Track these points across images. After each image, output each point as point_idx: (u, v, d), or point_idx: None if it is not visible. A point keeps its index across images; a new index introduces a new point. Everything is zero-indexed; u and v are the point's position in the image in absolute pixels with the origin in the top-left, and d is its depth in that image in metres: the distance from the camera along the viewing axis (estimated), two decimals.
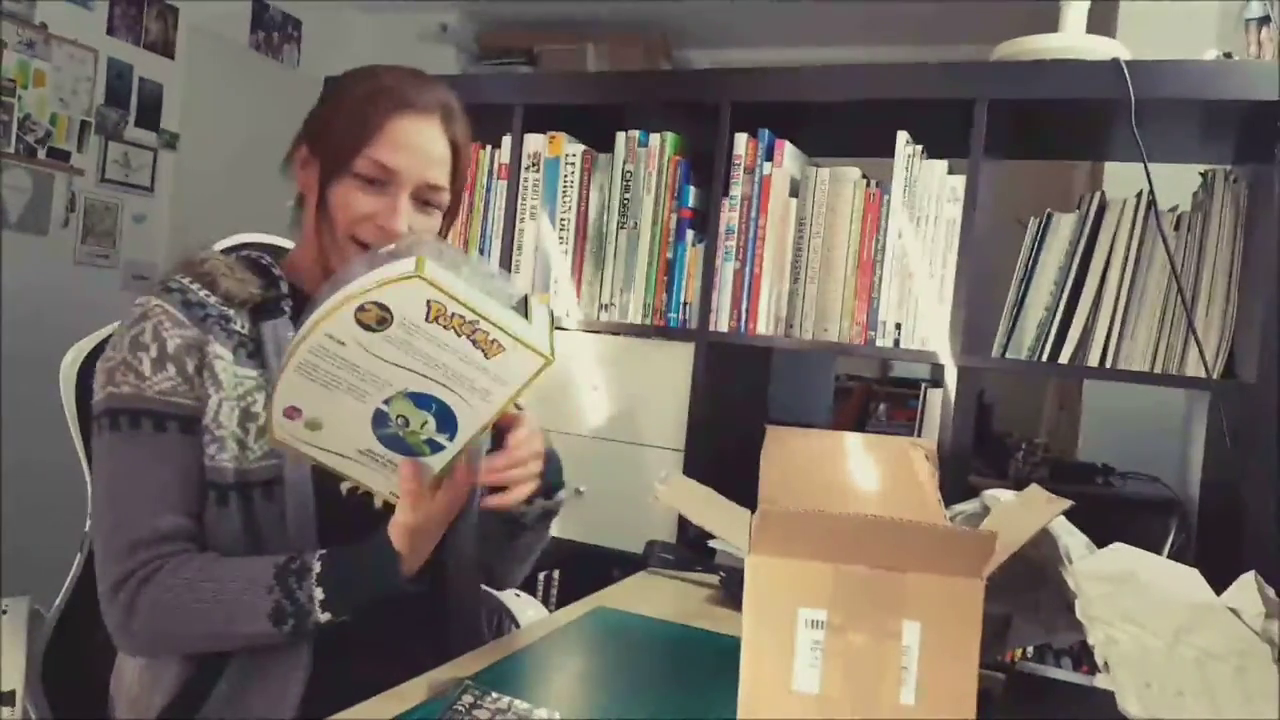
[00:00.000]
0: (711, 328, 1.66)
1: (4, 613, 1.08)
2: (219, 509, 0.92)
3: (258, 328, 0.97)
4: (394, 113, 0.97)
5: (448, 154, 1.01)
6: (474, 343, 0.75)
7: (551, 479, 1.07)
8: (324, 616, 0.88)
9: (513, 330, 0.76)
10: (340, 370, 0.78)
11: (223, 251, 1.05)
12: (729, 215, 1.66)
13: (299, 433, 0.83)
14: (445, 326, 0.74)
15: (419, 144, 0.98)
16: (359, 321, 0.73)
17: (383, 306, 0.73)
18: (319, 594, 0.87)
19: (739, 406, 1.85)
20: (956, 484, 1.49)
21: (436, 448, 0.85)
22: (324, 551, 0.90)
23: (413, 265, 0.71)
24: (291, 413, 0.81)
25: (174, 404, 0.92)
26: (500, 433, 0.93)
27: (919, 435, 1.59)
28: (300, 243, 1.08)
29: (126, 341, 0.93)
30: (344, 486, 0.94)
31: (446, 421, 0.82)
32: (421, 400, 0.80)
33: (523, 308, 0.81)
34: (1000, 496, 0.95)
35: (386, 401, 0.80)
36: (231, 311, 0.97)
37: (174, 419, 0.92)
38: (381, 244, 0.98)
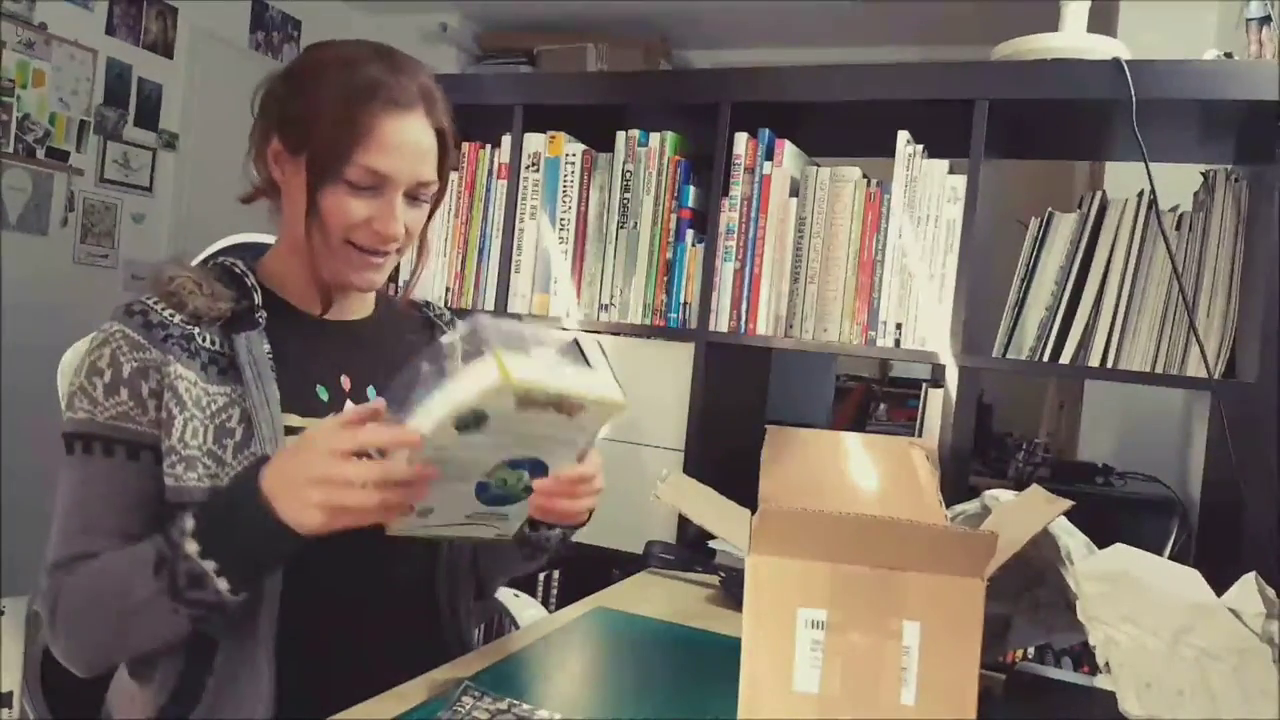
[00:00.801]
0: (711, 328, 1.66)
1: (2, 613, 1.08)
2: None
3: (230, 340, 0.95)
4: (381, 113, 0.94)
5: (434, 145, 0.99)
6: (559, 410, 0.81)
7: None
8: (193, 547, 0.82)
9: (593, 394, 0.83)
10: (446, 467, 0.82)
11: (208, 258, 1.03)
12: (729, 215, 1.65)
13: (412, 524, 0.86)
14: (536, 409, 0.79)
15: (408, 144, 0.96)
16: (456, 427, 0.78)
17: (477, 411, 0.77)
18: (189, 525, 0.83)
19: (739, 406, 1.85)
20: (957, 484, 1.49)
21: (529, 490, 0.90)
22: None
23: (496, 369, 0.75)
24: (407, 509, 0.86)
25: (123, 429, 0.91)
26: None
27: (919, 435, 1.59)
28: (279, 242, 1.06)
29: (86, 366, 0.92)
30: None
31: (539, 470, 0.88)
32: (517, 463, 0.86)
33: (581, 355, 0.87)
34: (1000, 496, 0.95)
35: (487, 474, 0.86)
36: (196, 330, 0.95)
37: (121, 444, 0.90)
38: (377, 247, 0.98)
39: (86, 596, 0.88)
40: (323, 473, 0.79)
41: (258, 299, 0.99)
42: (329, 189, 0.96)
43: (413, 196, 1.00)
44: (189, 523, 0.84)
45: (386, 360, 1.06)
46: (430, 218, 1.05)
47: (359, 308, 1.10)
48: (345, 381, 1.04)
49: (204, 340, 0.95)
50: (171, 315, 0.94)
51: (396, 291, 1.16)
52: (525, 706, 0.82)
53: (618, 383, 0.87)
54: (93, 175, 3.18)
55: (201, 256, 1.23)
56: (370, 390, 1.05)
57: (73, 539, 0.90)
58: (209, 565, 0.83)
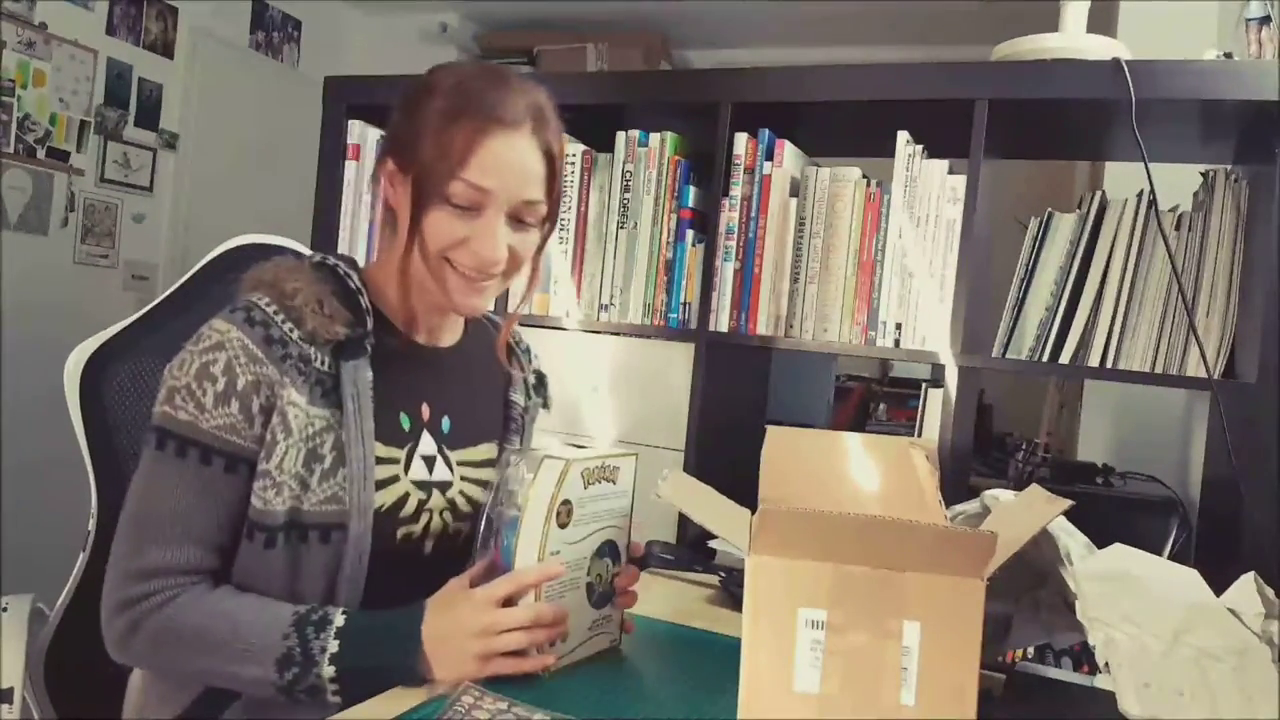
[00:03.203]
0: (711, 327, 1.66)
1: (4, 610, 1.08)
2: (264, 551, 0.90)
3: (337, 363, 0.94)
4: (482, 132, 0.92)
5: (542, 166, 0.96)
6: (607, 480, 0.96)
7: None
8: (329, 670, 0.85)
9: (614, 453, 0.97)
10: (566, 575, 0.92)
11: (316, 260, 1.00)
12: (729, 215, 1.66)
13: (560, 651, 0.92)
14: (595, 482, 0.94)
15: (512, 163, 0.94)
16: (559, 525, 0.90)
17: (566, 502, 0.91)
18: (333, 646, 0.85)
19: (739, 406, 1.85)
20: (956, 484, 1.50)
21: (614, 578, 1.00)
22: (349, 610, 0.90)
23: (560, 461, 0.90)
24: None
25: (227, 441, 0.90)
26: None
27: (919, 435, 1.59)
28: (383, 258, 1.04)
29: (195, 366, 0.90)
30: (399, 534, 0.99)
31: (614, 554, 0.99)
32: (600, 551, 0.97)
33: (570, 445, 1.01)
34: (1000, 496, 0.95)
35: (589, 573, 0.96)
36: (313, 350, 0.93)
37: (222, 455, 0.90)
38: (477, 269, 0.96)
39: (195, 639, 0.87)
40: (484, 623, 0.86)
41: (369, 324, 0.98)
42: (432, 207, 0.94)
43: (518, 219, 0.97)
44: (332, 643, 0.86)
45: (464, 392, 1.08)
46: (543, 244, 1.02)
47: (450, 334, 1.08)
48: (425, 410, 1.04)
49: (317, 360, 0.93)
50: (291, 330, 0.92)
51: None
52: (525, 706, 0.82)
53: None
54: (93, 175, 3.18)
55: (208, 258, 1.24)
56: (445, 421, 1.05)
57: (165, 546, 0.89)
58: (331, 686, 0.85)
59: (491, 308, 1.13)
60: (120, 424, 1.12)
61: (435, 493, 1.02)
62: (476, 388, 1.10)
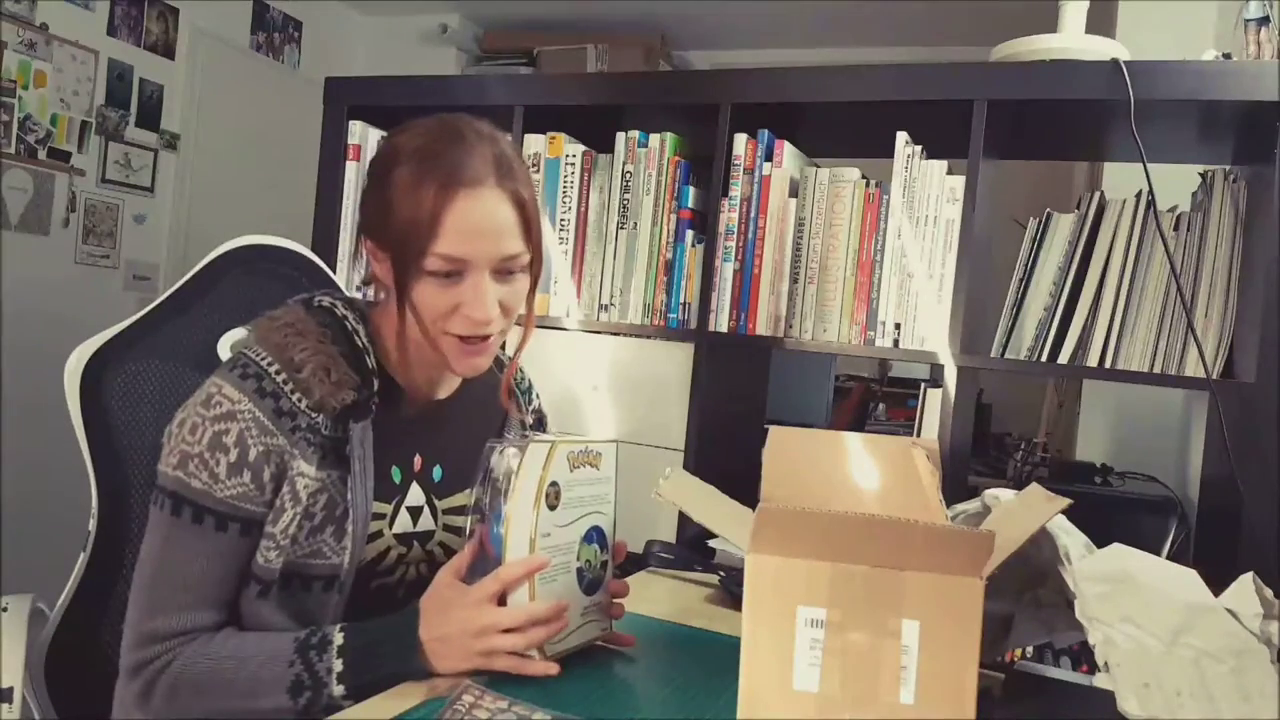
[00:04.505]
0: (711, 328, 1.66)
1: (4, 610, 1.08)
2: (258, 600, 0.92)
3: (343, 424, 0.95)
4: (448, 198, 0.90)
5: (514, 216, 0.94)
6: (590, 465, 0.98)
7: None
8: (339, 689, 0.87)
9: (598, 439, 1.00)
10: (555, 557, 0.93)
11: (322, 304, 1.00)
12: (728, 215, 1.66)
13: (556, 638, 0.92)
14: (579, 466, 0.96)
15: (480, 222, 0.92)
16: (549, 506, 0.92)
17: (554, 484, 0.92)
18: (338, 665, 0.87)
19: (738, 406, 1.85)
20: (956, 484, 1.50)
21: (604, 565, 1.01)
22: (345, 625, 0.91)
23: (545, 445, 0.92)
24: None
25: (241, 509, 0.91)
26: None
27: (918, 435, 1.59)
28: (382, 306, 1.03)
29: (208, 436, 0.90)
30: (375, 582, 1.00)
31: (602, 539, 1.00)
32: (587, 537, 0.98)
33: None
34: (1000, 496, 0.95)
35: (578, 558, 0.96)
36: (320, 418, 0.93)
37: (237, 521, 0.91)
38: (473, 332, 0.95)
39: (206, 684, 0.89)
40: (482, 624, 0.87)
41: (376, 386, 0.98)
42: (415, 283, 0.93)
43: (502, 272, 0.96)
44: (336, 663, 0.87)
45: (459, 439, 1.07)
46: (534, 286, 1.01)
47: (448, 385, 1.08)
48: (417, 461, 1.04)
49: (324, 428, 0.94)
50: (300, 400, 0.92)
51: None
52: (525, 706, 0.82)
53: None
54: (94, 176, 3.18)
55: (208, 259, 1.23)
56: (436, 470, 1.06)
57: (177, 612, 0.90)
58: (346, 703, 0.87)
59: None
60: (120, 425, 1.12)
61: (415, 545, 1.03)
62: (472, 434, 1.09)
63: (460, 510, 1.07)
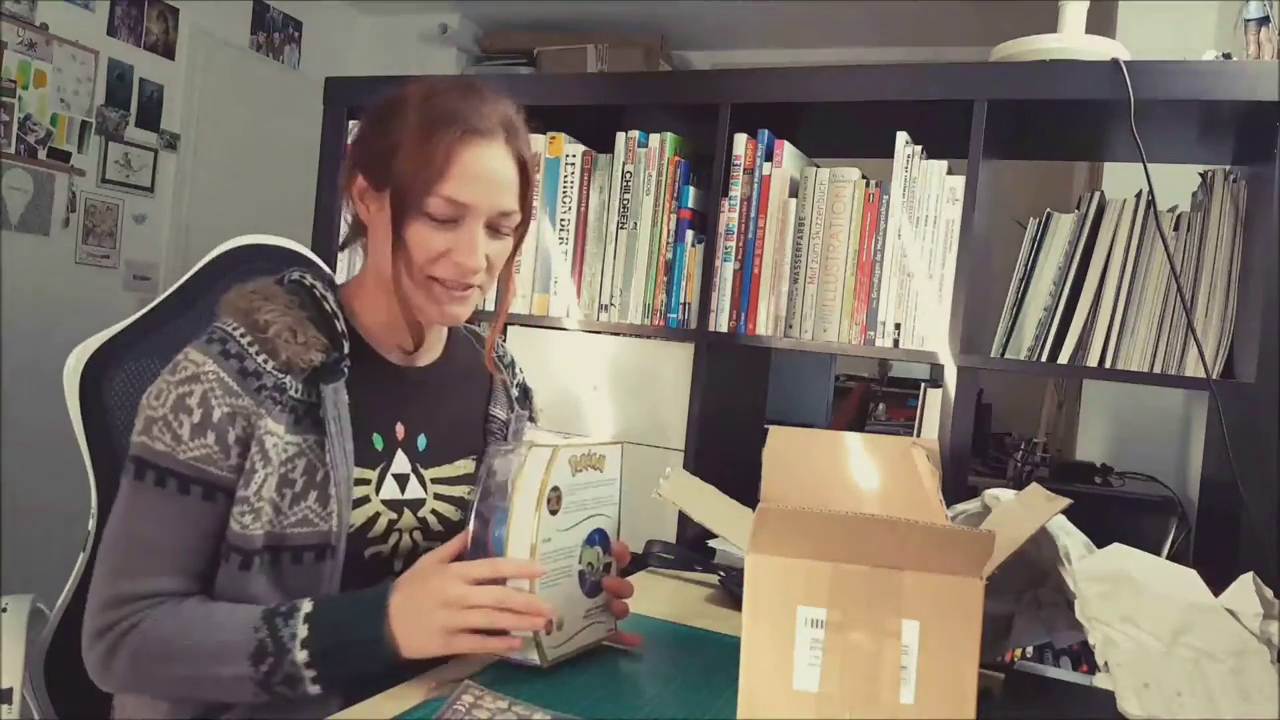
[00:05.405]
0: (711, 328, 1.66)
1: (4, 610, 1.08)
2: (240, 572, 0.91)
3: (315, 387, 0.95)
4: (459, 143, 0.93)
5: (515, 176, 0.98)
6: (594, 468, 0.97)
7: None
8: (301, 655, 0.85)
9: (601, 441, 1.00)
10: (555, 562, 0.93)
11: (290, 280, 1.01)
12: (728, 215, 1.66)
13: (556, 641, 0.93)
14: (582, 470, 0.95)
15: (488, 173, 0.95)
16: (550, 511, 0.91)
17: (555, 488, 0.91)
18: (303, 631, 0.86)
19: (738, 406, 1.85)
20: (956, 484, 1.50)
21: (607, 567, 1.01)
22: (321, 595, 0.90)
23: (548, 449, 0.92)
24: (548, 627, 0.92)
25: (204, 471, 0.90)
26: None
27: (918, 435, 1.59)
28: (362, 275, 1.05)
29: (172, 399, 0.91)
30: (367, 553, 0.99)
31: (604, 542, 1.00)
32: (590, 539, 0.98)
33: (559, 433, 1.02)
34: (1000, 496, 0.95)
35: (580, 561, 0.96)
36: (288, 379, 0.94)
37: (200, 484, 0.90)
38: (458, 279, 0.97)
39: (170, 647, 0.88)
40: (451, 595, 0.86)
41: (346, 348, 0.98)
42: (412, 223, 0.95)
43: (494, 228, 0.98)
44: (301, 629, 0.86)
45: (443, 409, 1.08)
46: (515, 252, 1.04)
47: (429, 352, 1.08)
48: (400, 430, 1.04)
49: (292, 389, 0.94)
50: (265, 361, 0.93)
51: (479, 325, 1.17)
52: (525, 706, 0.82)
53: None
54: (94, 176, 3.18)
55: (208, 259, 1.24)
56: (421, 439, 1.05)
57: (142, 577, 0.90)
58: (309, 673, 0.85)
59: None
60: (120, 424, 1.12)
61: (406, 512, 1.02)
62: (456, 404, 1.10)
63: (450, 481, 1.07)
